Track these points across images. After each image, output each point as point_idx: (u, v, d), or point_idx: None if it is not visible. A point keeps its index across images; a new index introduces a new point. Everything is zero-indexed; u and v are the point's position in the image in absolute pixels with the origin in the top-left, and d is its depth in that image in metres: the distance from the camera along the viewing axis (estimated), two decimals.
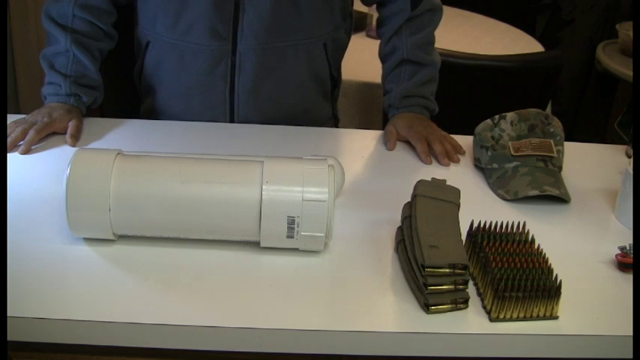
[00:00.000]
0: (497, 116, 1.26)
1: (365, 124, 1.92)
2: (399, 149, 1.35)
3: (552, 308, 0.90)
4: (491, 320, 0.90)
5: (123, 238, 1.00)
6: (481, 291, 0.94)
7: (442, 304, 0.90)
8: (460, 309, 0.91)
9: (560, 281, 0.90)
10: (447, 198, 1.01)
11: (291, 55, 1.39)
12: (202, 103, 1.41)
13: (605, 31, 3.02)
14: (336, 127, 1.61)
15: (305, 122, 1.44)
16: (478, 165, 1.28)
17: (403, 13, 1.42)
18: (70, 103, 1.33)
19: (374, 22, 1.58)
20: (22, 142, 1.24)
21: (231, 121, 1.42)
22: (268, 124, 1.40)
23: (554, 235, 1.09)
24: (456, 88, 1.79)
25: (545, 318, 0.90)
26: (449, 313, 0.90)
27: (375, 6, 1.50)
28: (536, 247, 0.97)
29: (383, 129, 1.42)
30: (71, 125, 1.29)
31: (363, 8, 1.60)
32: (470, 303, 0.91)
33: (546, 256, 0.96)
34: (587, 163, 1.34)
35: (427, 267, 0.89)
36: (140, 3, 1.38)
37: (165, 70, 1.41)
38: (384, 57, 1.48)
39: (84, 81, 1.35)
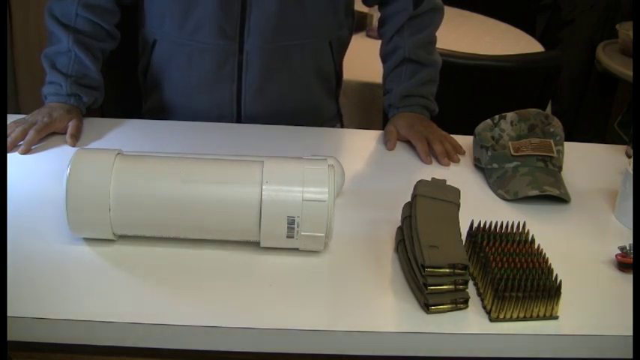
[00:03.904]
0: (497, 116, 1.26)
1: (365, 124, 1.92)
2: (399, 149, 1.35)
3: (552, 308, 0.90)
4: (491, 320, 0.90)
5: (123, 238, 1.00)
6: (481, 291, 0.94)
7: (442, 304, 0.90)
8: (460, 309, 0.91)
9: (560, 281, 0.90)
10: (447, 198, 1.01)
11: (297, 54, 1.39)
12: (209, 101, 1.41)
13: (605, 31, 3.02)
14: (342, 125, 1.62)
15: (310, 120, 1.44)
16: (478, 165, 1.28)
17: (405, 11, 1.42)
18: (70, 103, 1.33)
19: (374, 22, 1.59)
20: (22, 142, 1.24)
21: (238, 118, 1.42)
22: (274, 122, 1.41)
23: (554, 235, 1.09)
24: (456, 88, 1.79)
25: (545, 318, 0.90)
26: (449, 313, 0.90)
27: (375, 6, 1.50)
28: (536, 247, 0.97)
29: (383, 129, 1.42)
30: (71, 125, 1.29)
31: (364, 8, 1.60)
32: (470, 303, 0.91)
33: (546, 256, 0.96)
34: (587, 163, 1.34)
35: (427, 267, 0.89)
36: (147, 3, 1.39)
37: (173, 69, 1.42)
38: (385, 56, 1.49)
39: (85, 81, 1.35)
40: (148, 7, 1.39)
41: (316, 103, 1.50)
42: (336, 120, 1.59)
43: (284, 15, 1.34)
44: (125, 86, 1.56)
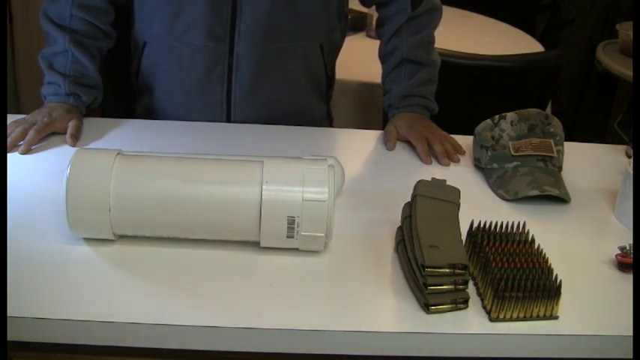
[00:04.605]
0: (497, 116, 1.26)
1: (365, 124, 1.92)
2: (399, 149, 1.35)
3: (552, 308, 0.90)
4: (491, 320, 0.90)
5: (123, 238, 1.00)
6: (481, 291, 0.93)
7: (442, 304, 0.90)
8: (460, 309, 0.91)
9: (560, 281, 0.90)
10: (447, 198, 1.01)
11: (288, 57, 1.39)
12: (199, 103, 1.41)
13: (605, 31, 3.02)
14: (331, 126, 1.62)
15: (301, 122, 1.44)
16: (478, 165, 1.28)
17: (404, 13, 1.42)
18: (69, 103, 1.33)
19: (374, 22, 1.58)
20: (22, 142, 1.24)
21: (228, 121, 1.42)
22: (265, 124, 1.40)
23: (554, 235, 1.09)
24: (456, 88, 1.79)
25: (545, 318, 0.90)
26: (449, 313, 0.90)
27: (374, 6, 1.50)
28: (536, 247, 0.97)
29: (383, 129, 1.42)
30: (71, 125, 1.29)
31: (363, 8, 1.59)
32: (470, 303, 0.91)
33: (546, 256, 0.96)
34: (587, 163, 1.34)
35: (427, 267, 0.89)
36: (137, 4, 1.38)
37: (163, 71, 1.41)
38: (383, 57, 1.48)
39: (83, 80, 1.35)
40: (137, 8, 1.39)
41: (306, 105, 1.49)
42: (326, 122, 1.58)
43: (275, 17, 1.33)
44: (124, 85, 1.56)
